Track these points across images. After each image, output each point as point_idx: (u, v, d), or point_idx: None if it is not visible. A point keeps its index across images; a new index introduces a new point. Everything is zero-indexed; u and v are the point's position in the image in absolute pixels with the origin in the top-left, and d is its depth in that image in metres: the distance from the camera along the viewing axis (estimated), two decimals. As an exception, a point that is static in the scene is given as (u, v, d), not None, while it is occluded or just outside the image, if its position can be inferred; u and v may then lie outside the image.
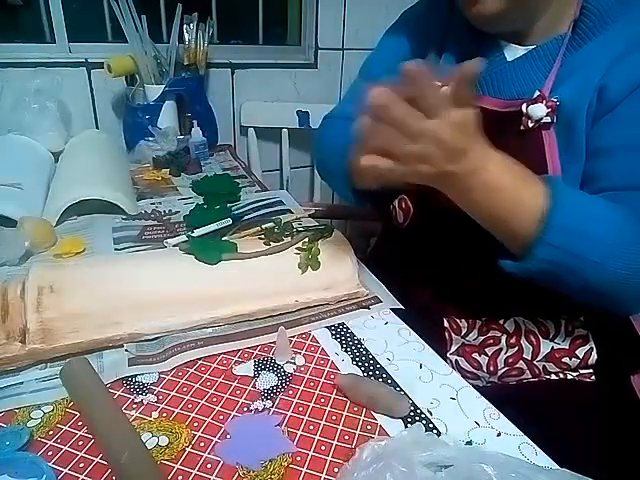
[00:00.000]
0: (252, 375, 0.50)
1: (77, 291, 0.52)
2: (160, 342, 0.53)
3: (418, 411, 0.46)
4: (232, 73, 1.44)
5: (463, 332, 0.67)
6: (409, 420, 0.45)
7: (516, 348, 0.65)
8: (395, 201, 0.71)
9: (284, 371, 0.51)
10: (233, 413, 0.45)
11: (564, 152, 0.56)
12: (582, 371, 0.64)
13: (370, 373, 0.51)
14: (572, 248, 0.48)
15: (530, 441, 0.43)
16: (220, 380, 0.49)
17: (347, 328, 0.58)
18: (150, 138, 1.14)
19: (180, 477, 0.38)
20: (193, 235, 0.72)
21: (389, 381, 0.49)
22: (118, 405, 0.44)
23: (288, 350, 0.53)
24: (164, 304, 0.54)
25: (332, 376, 0.50)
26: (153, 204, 0.90)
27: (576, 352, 0.63)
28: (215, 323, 0.56)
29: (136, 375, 0.49)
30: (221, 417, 0.44)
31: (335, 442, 0.42)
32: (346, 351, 0.54)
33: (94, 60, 1.23)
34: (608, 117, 0.55)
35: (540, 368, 0.64)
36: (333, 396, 0.47)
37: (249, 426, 0.44)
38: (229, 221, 0.78)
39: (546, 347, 0.64)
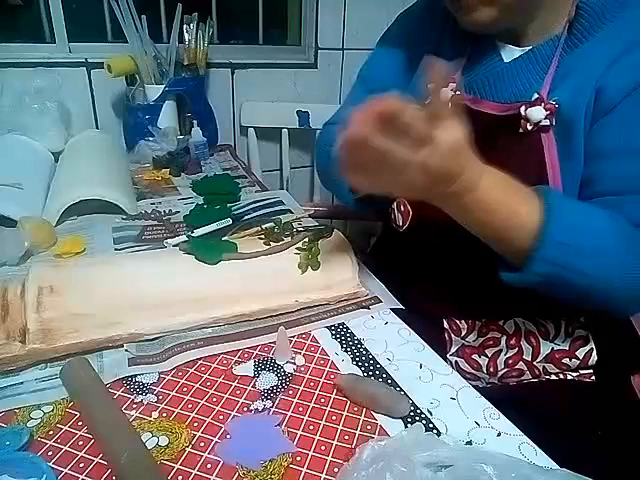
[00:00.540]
0: (252, 375, 0.50)
1: (77, 291, 0.52)
2: (160, 342, 0.53)
3: (418, 411, 0.46)
4: (232, 73, 1.44)
5: (463, 333, 0.67)
6: (409, 420, 0.45)
7: (516, 349, 0.64)
8: (394, 204, 0.71)
9: (284, 371, 0.51)
10: (233, 413, 0.45)
11: (563, 154, 0.56)
12: (582, 371, 0.64)
13: (370, 373, 0.51)
14: (567, 263, 0.48)
15: (530, 441, 0.43)
16: (220, 380, 0.49)
17: (347, 328, 0.58)
18: (150, 138, 1.14)
19: (180, 477, 0.38)
20: (193, 235, 0.72)
21: (389, 381, 0.49)
22: (118, 405, 0.44)
23: (288, 350, 0.53)
24: (164, 304, 0.54)
25: (332, 376, 0.50)
26: (153, 204, 0.90)
27: (576, 353, 0.63)
28: (215, 323, 0.56)
29: (136, 375, 0.49)
30: (221, 417, 0.44)
31: (335, 442, 0.42)
32: (346, 351, 0.54)
33: (94, 60, 1.23)
34: (606, 119, 0.55)
35: (540, 369, 0.64)
36: (333, 396, 0.47)
37: (249, 426, 0.44)
38: (229, 221, 0.78)
39: (546, 348, 0.64)
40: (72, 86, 1.21)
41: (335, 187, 0.77)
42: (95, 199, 0.80)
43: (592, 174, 0.55)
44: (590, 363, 0.63)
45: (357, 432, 0.43)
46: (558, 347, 0.63)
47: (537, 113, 0.56)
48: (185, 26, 1.24)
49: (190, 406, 0.46)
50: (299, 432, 0.43)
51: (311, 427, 0.44)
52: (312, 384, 0.49)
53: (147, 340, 0.53)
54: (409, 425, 0.44)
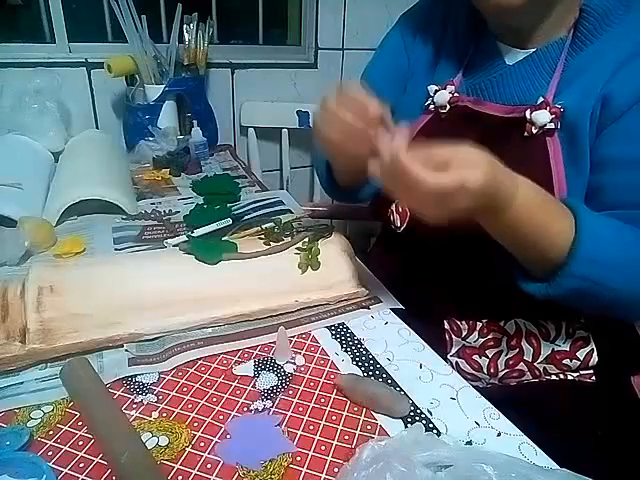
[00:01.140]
0: (252, 375, 0.50)
1: (77, 291, 0.52)
2: (160, 342, 0.53)
3: (418, 411, 0.46)
4: (232, 73, 1.44)
5: (463, 334, 0.67)
6: (409, 420, 0.45)
7: (516, 350, 0.64)
8: (392, 205, 0.71)
9: (284, 371, 0.51)
10: (233, 413, 0.45)
11: (568, 158, 0.56)
12: (583, 372, 0.64)
13: (370, 373, 0.50)
14: (598, 278, 0.49)
15: (530, 441, 0.43)
16: (220, 380, 0.49)
17: (347, 328, 0.58)
18: (150, 138, 1.14)
19: (180, 477, 0.38)
20: (193, 235, 0.72)
21: (389, 381, 0.49)
22: (118, 405, 0.44)
23: (288, 350, 0.53)
24: (164, 304, 0.54)
25: (332, 376, 0.50)
26: (153, 204, 0.90)
27: (577, 354, 0.63)
28: (215, 323, 0.56)
29: (136, 375, 0.49)
30: (221, 417, 0.44)
31: (335, 442, 0.42)
32: (346, 351, 0.54)
33: (94, 60, 1.23)
34: (613, 128, 0.54)
35: (540, 370, 0.64)
36: (333, 396, 0.47)
37: (249, 426, 0.44)
38: (229, 221, 0.78)
39: (546, 349, 0.63)
40: (72, 86, 1.21)
41: (319, 174, 0.78)
42: (95, 199, 0.80)
43: (600, 184, 0.55)
44: (591, 364, 0.63)
45: (357, 432, 0.43)
46: (559, 348, 0.63)
47: (542, 117, 0.56)
48: (185, 26, 1.24)
49: (190, 406, 0.46)
50: (299, 432, 0.43)
51: (311, 427, 0.44)
52: (312, 384, 0.49)
53: (147, 340, 0.53)
54: (409, 425, 0.44)
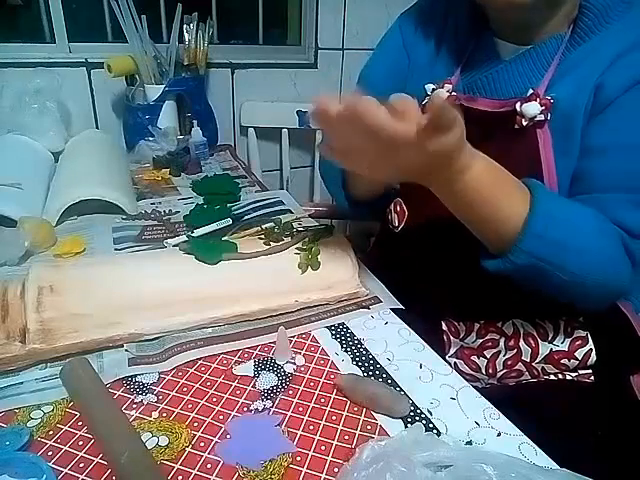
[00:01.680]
0: (252, 375, 0.50)
1: (77, 291, 0.52)
2: (160, 342, 0.53)
3: (418, 411, 0.46)
4: (232, 73, 1.44)
5: (461, 335, 0.67)
6: (409, 420, 0.45)
7: (515, 350, 0.64)
8: (391, 204, 0.71)
9: (284, 371, 0.51)
10: (233, 413, 0.45)
11: (559, 151, 0.56)
12: (581, 372, 0.64)
13: (370, 373, 0.50)
14: (546, 256, 0.49)
15: (530, 441, 0.43)
16: (220, 380, 0.49)
17: (347, 328, 0.58)
18: (150, 138, 1.14)
19: (180, 477, 0.38)
20: (193, 235, 0.72)
21: (389, 381, 0.49)
22: (118, 405, 0.44)
23: (288, 350, 0.53)
24: (164, 304, 0.54)
25: (332, 376, 0.50)
26: (153, 204, 0.90)
27: (575, 353, 0.63)
28: (215, 323, 0.56)
29: (136, 375, 0.49)
30: (221, 417, 0.44)
31: (335, 442, 0.42)
32: (346, 351, 0.54)
33: (94, 60, 1.23)
34: (600, 116, 0.55)
35: (539, 370, 0.64)
36: (333, 396, 0.47)
37: (249, 426, 0.44)
38: (229, 221, 0.78)
39: (545, 349, 0.63)
40: (72, 86, 1.21)
41: (331, 184, 0.77)
42: (95, 199, 0.80)
43: (582, 171, 0.56)
44: (589, 363, 0.63)
45: (357, 432, 0.43)
46: (557, 348, 0.63)
47: (532, 108, 0.56)
48: (185, 26, 1.23)
49: (190, 406, 0.46)
50: (299, 432, 0.43)
51: (311, 427, 0.44)
52: (312, 384, 0.49)
53: (147, 340, 0.53)
54: (409, 425, 0.44)
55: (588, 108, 0.55)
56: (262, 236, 0.66)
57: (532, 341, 0.64)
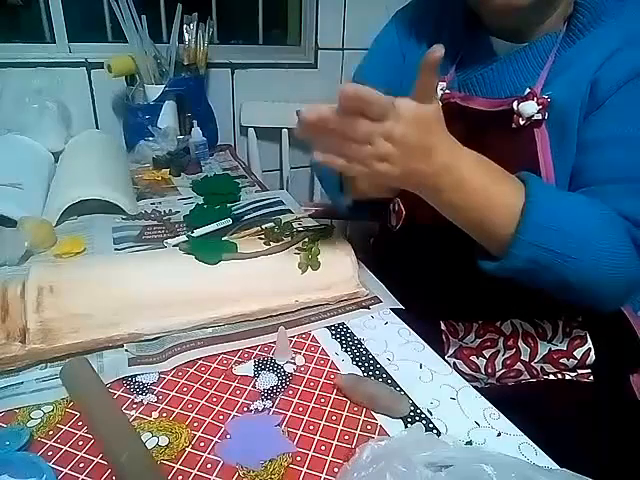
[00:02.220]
0: (252, 375, 0.50)
1: (77, 291, 0.52)
2: (160, 342, 0.53)
3: (418, 411, 0.46)
4: (232, 73, 1.44)
5: (460, 335, 0.67)
6: (409, 420, 0.45)
7: (513, 350, 0.64)
8: (389, 204, 0.71)
9: (284, 371, 0.51)
10: (233, 413, 0.45)
11: (557, 149, 0.56)
12: (580, 371, 0.64)
13: (370, 373, 0.51)
14: (550, 245, 0.47)
15: (530, 441, 0.43)
16: (220, 380, 0.49)
17: (347, 328, 0.58)
18: (150, 138, 1.14)
19: (180, 477, 0.38)
20: (193, 235, 0.72)
21: (389, 381, 0.49)
22: (118, 405, 0.44)
23: (288, 350, 0.53)
24: (164, 304, 0.54)
25: (332, 376, 0.50)
26: (153, 204, 0.90)
27: (574, 353, 0.63)
28: (215, 323, 0.56)
29: (136, 375, 0.49)
30: (221, 417, 0.44)
31: (335, 442, 0.42)
32: (346, 351, 0.54)
33: (94, 60, 1.23)
34: (597, 111, 0.55)
35: (538, 369, 0.64)
36: (333, 396, 0.47)
37: (249, 426, 0.44)
38: (229, 221, 0.78)
39: (544, 349, 0.64)
40: (72, 86, 1.21)
41: (331, 192, 0.77)
42: (95, 199, 0.80)
43: (581, 164, 0.55)
44: (588, 363, 0.63)
45: (357, 432, 0.43)
46: (556, 347, 0.63)
47: (530, 108, 0.56)
48: (185, 26, 1.24)
49: (190, 406, 0.46)
50: (299, 432, 0.43)
51: (311, 427, 0.44)
52: (312, 384, 0.49)
53: (147, 340, 0.53)
54: (409, 425, 0.44)
55: (584, 105, 0.55)
56: (262, 236, 0.66)
57: (531, 341, 0.64)
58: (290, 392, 0.48)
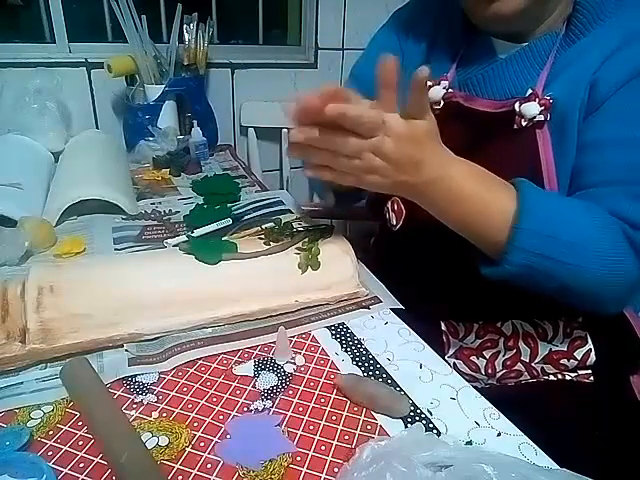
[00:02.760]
0: (252, 375, 0.50)
1: (77, 291, 0.52)
2: (160, 342, 0.53)
3: (418, 411, 0.46)
4: (232, 73, 1.44)
5: (461, 335, 0.67)
6: (409, 420, 0.45)
7: (514, 351, 0.64)
8: (388, 203, 0.71)
9: (284, 371, 0.51)
10: (233, 413, 0.45)
11: (558, 150, 0.56)
12: (580, 372, 0.64)
13: (370, 373, 0.50)
14: (545, 251, 0.48)
15: (530, 441, 0.43)
16: (220, 380, 0.49)
17: (347, 328, 0.58)
18: (150, 138, 1.14)
19: (180, 477, 0.38)
20: (193, 235, 0.72)
21: (389, 381, 0.49)
22: (118, 405, 0.44)
23: (288, 350, 0.53)
24: (164, 304, 0.54)
25: (332, 376, 0.50)
26: (153, 204, 0.90)
27: (574, 354, 0.63)
28: (215, 323, 0.56)
29: (136, 375, 0.49)
30: (221, 417, 0.44)
31: (335, 442, 0.42)
32: (346, 351, 0.54)
33: (94, 60, 1.23)
34: (597, 112, 0.55)
35: (538, 370, 0.64)
36: (333, 396, 0.47)
37: (249, 426, 0.44)
38: (229, 221, 0.78)
39: (544, 349, 0.63)
40: (72, 86, 1.21)
41: (315, 188, 0.78)
42: (95, 199, 0.80)
43: (579, 166, 0.56)
44: (588, 363, 0.63)
45: (357, 432, 0.43)
46: (556, 348, 0.63)
47: (531, 109, 0.56)
48: (185, 26, 1.24)
49: (190, 406, 0.46)
50: (299, 432, 0.43)
51: (311, 427, 0.44)
52: (312, 384, 0.49)
53: (147, 340, 0.53)
54: (409, 425, 0.44)
55: (584, 106, 0.55)
56: (262, 236, 0.66)
57: (531, 341, 0.64)
58: (290, 392, 0.48)
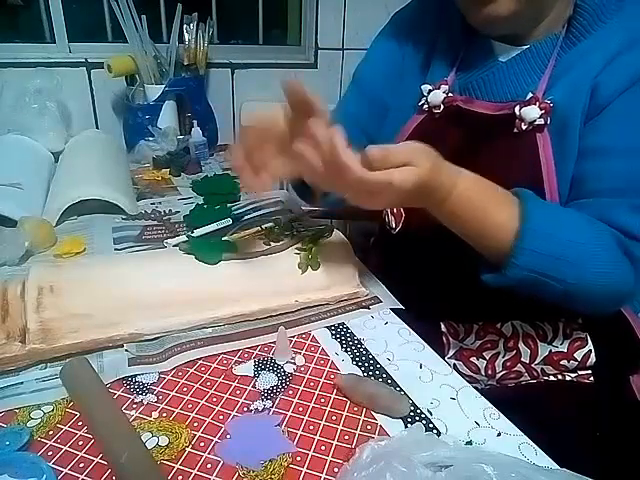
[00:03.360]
0: (252, 375, 0.50)
1: (77, 291, 0.52)
2: (160, 342, 0.53)
3: (418, 411, 0.46)
4: (232, 73, 1.44)
5: (461, 336, 0.66)
6: (409, 420, 0.45)
7: (514, 352, 0.64)
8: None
9: (284, 371, 0.51)
10: (233, 413, 0.45)
11: (558, 153, 0.56)
12: (581, 372, 0.64)
13: (370, 373, 0.50)
14: (543, 269, 0.49)
15: (530, 441, 0.43)
16: (220, 380, 0.49)
17: (347, 328, 0.58)
18: (150, 138, 1.15)
19: (180, 477, 0.38)
20: (193, 235, 0.72)
21: (389, 381, 0.49)
22: (118, 405, 0.44)
23: (288, 350, 0.53)
24: (164, 304, 0.54)
25: (332, 376, 0.50)
26: (153, 204, 0.90)
27: (574, 355, 0.63)
28: (215, 323, 0.56)
29: (136, 375, 0.49)
30: (221, 417, 0.44)
31: (335, 442, 0.42)
32: (346, 351, 0.54)
33: (94, 60, 1.23)
34: (598, 118, 0.55)
35: (538, 371, 0.64)
36: (333, 396, 0.47)
37: (249, 426, 0.44)
38: (229, 221, 0.78)
39: (544, 350, 0.63)
40: (72, 86, 1.21)
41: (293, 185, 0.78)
42: (95, 199, 0.80)
43: (581, 173, 0.56)
44: (588, 364, 0.63)
45: (357, 432, 0.43)
46: (556, 349, 0.63)
47: (532, 112, 0.56)
48: (185, 26, 1.24)
49: (190, 406, 0.46)
50: (299, 432, 0.43)
51: (311, 427, 0.44)
52: (312, 384, 0.49)
53: (147, 340, 0.53)
54: (409, 425, 0.44)
55: (585, 110, 0.55)
56: (262, 236, 0.66)
57: (531, 342, 0.64)
58: (290, 392, 0.48)
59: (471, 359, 0.66)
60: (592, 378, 0.64)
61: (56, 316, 0.50)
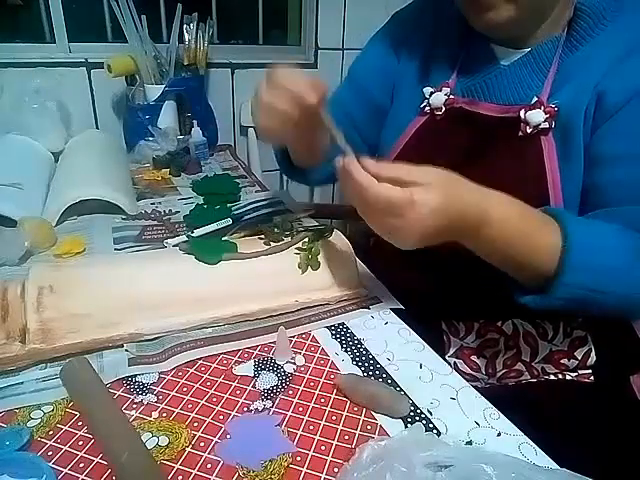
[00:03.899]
0: (252, 375, 0.50)
1: (77, 291, 0.52)
2: (160, 342, 0.53)
3: (418, 411, 0.46)
4: (232, 73, 1.44)
5: (461, 335, 0.67)
6: (409, 420, 0.45)
7: (514, 350, 0.64)
8: None
9: (284, 371, 0.51)
10: (233, 413, 0.45)
11: (563, 157, 0.56)
12: (581, 371, 0.64)
13: (370, 373, 0.50)
14: (592, 284, 0.48)
15: (530, 441, 0.43)
16: (220, 380, 0.49)
17: (347, 328, 0.58)
18: (150, 138, 1.15)
19: (180, 477, 0.38)
20: (193, 235, 0.72)
21: (389, 381, 0.49)
22: (118, 405, 0.44)
23: (288, 350, 0.53)
24: (164, 304, 0.54)
25: (332, 376, 0.50)
26: (153, 204, 0.90)
27: (574, 353, 0.63)
28: (215, 323, 0.56)
29: (136, 375, 0.49)
30: (221, 417, 0.44)
31: (335, 442, 0.42)
32: (346, 351, 0.54)
33: (94, 60, 1.23)
34: (608, 126, 0.54)
35: (539, 369, 0.64)
36: (333, 396, 0.47)
37: (249, 426, 0.44)
38: (229, 221, 0.78)
39: (544, 349, 0.63)
40: (72, 86, 1.21)
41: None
42: (95, 199, 0.80)
43: (595, 182, 0.55)
44: (589, 363, 0.63)
45: (357, 432, 0.43)
46: (557, 348, 0.63)
47: (537, 116, 0.56)
48: (185, 26, 1.24)
49: (190, 406, 0.46)
50: (299, 432, 0.43)
51: (311, 427, 0.44)
52: (312, 384, 0.49)
53: (147, 340, 0.53)
54: (409, 425, 0.44)
55: (589, 114, 0.55)
56: (262, 236, 0.66)
57: (532, 341, 0.64)
58: (290, 392, 0.48)
59: (471, 357, 0.66)
60: (592, 377, 0.64)
61: (56, 316, 0.50)
